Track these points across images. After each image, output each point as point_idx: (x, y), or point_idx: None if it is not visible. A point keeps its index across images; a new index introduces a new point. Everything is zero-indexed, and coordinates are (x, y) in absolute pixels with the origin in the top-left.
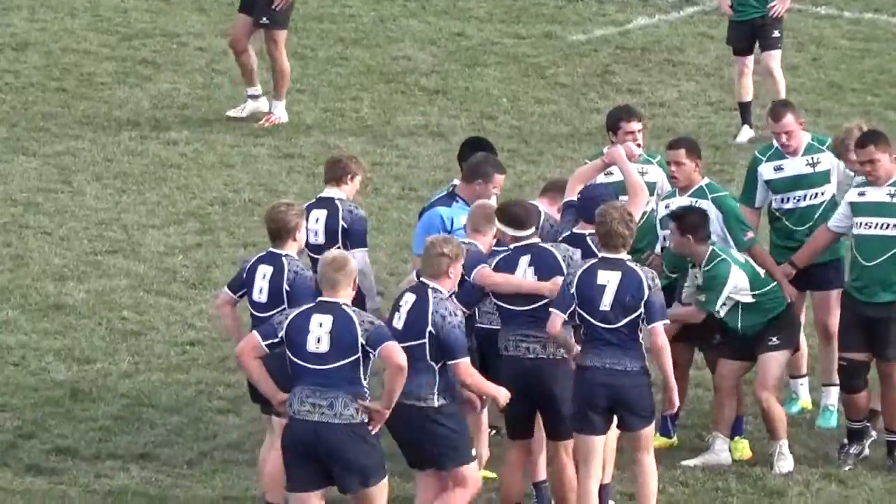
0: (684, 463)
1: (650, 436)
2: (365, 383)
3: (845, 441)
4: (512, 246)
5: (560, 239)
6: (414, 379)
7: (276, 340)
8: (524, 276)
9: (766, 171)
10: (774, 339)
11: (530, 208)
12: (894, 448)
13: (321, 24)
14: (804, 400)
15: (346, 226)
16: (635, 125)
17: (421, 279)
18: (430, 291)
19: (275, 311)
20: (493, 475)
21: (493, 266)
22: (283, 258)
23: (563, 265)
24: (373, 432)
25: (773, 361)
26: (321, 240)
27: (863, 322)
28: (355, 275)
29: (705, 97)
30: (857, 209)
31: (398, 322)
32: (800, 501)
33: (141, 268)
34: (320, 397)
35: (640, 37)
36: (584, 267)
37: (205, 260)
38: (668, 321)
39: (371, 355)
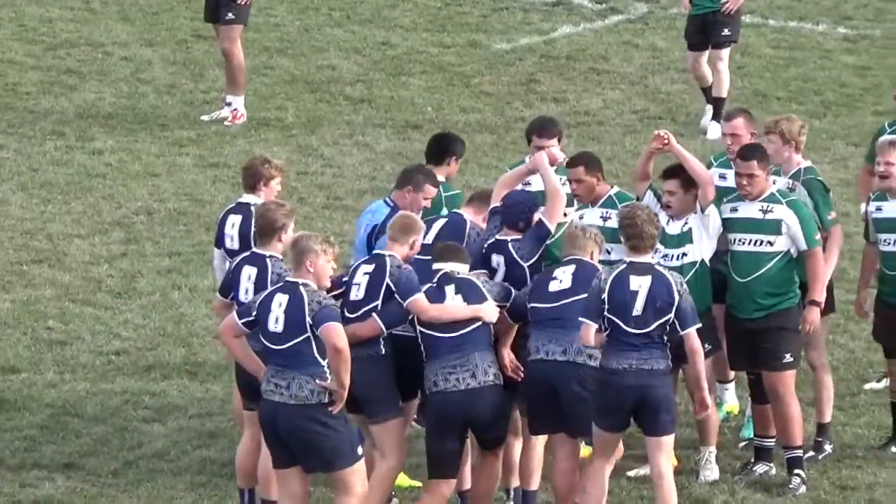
0: (630, 473)
1: (671, 443)
2: (323, 363)
3: (751, 459)
4: (436, 279)
5: (485, 246)
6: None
7: (251, 319)
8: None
9: (713, 176)
10: (706, 345)
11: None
12: (794, 465)
13: (246, 32)
14: (730, 404)
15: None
16: (546, 142)
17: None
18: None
19: None
20: (419, 484)
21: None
22: (268, 259)
23: (485, 289)
24: (334, 412)
25: (706, 366)
26: (236, 245)
27: (745, 337)
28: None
29: (630, 105)
30: (729, 225)
31: (564, 284)
32: None
33: (66, 277)
34: (281, 377)
35: (564, 45)
36: (615, 273)
37: (130, 269)
38: (699, 325)
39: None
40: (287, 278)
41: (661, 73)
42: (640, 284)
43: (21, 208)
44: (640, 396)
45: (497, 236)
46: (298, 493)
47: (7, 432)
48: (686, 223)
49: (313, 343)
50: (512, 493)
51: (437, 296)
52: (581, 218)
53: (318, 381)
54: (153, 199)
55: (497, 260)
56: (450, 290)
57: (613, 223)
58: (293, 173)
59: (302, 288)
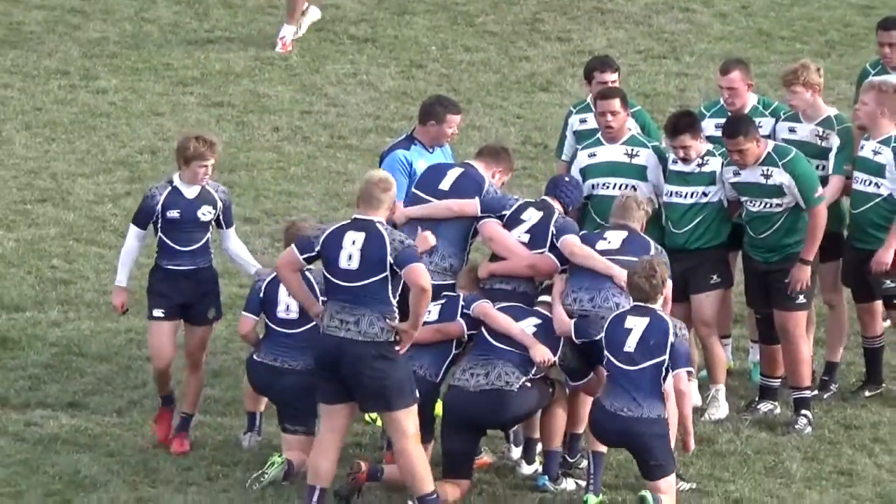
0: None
1: (667, 487)
2: (394, 302)
3: (756, 398)
4: (539, 302)
5: (518, 200)
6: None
7: (312, 254)
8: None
9: (709, 127)
10: (715, 276)
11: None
12: (801, 406)
13: None
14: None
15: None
16: (609, 76)
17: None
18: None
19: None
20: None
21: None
22: (377, 224)
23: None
24: (400, 352)
25: (712, 299)
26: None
27: (760, 277)
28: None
29: (634, 45)
30: (737, 189)
31: (612, 245)
32: (730, 448)
33: (70, 216)
34: (348, 314)
35: None
36: (616, 313)
37: (134, 208)
38: (692, 369)
39: (399, 274)
40: (356, 216)
41: (665, 12)
42: (636, 324)
43: (25, 147)
44: (625, 442)
45: (545, 196)
46: (341, 428)
47: (12, 371)
48: (706, 163)
49: (389, 283)
50: (512, 435)
51: (516, 313)
52: (592, 156)
53: (388, 320)
54: (157, 139)
55: (531, 215)
56: (531, 321)
57: (640, 160)
58: (297, 112)
59: (379, 226)
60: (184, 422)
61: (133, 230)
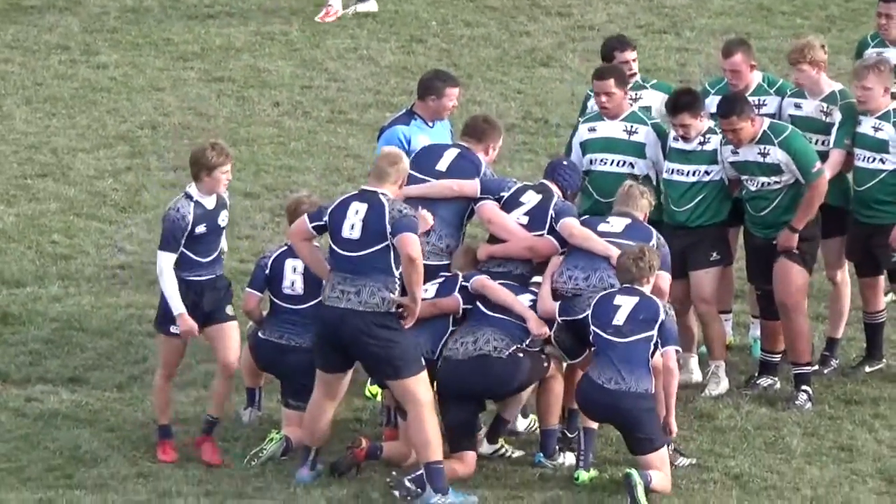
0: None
1: (658, 462)
2: (396, 273)
3: (756, 374)
4: (532, 283)
5: (517, 183)
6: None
7: (321, 223)
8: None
9: (713, 104)
10: (715, 253)
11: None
12: (801, 381)
13: None
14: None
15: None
16: (629, 55)
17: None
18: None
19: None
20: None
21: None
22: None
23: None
24: (405, 326)
25: (711, 275)
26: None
27: (760, 251)
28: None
29: (634, 20)
30: (736, 167)
31: (614, 228)
32: (730, 423)
33: (71, 191)
34: (349, 284)
35: None
36: (605, 292)
37: (135, 183)
38: (679, 348)
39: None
40: (363, 187)
41: None
42: (624, 301)
43: (25, 122)
44: (610, 416)
45: (544, 180)
46: (335, 395)
47: (12, 346)
48: (707, 141)
49: (391, 252)
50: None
51: (511, 289)
52: (591, 131)
53: (389, 291)
54: (158, 113)
55: (529, 197)
56: (527, 297)
57: (639, 137)
58: (298, 87)
59: (382, 197)
60: (210, 426)
61: (166, 257)
